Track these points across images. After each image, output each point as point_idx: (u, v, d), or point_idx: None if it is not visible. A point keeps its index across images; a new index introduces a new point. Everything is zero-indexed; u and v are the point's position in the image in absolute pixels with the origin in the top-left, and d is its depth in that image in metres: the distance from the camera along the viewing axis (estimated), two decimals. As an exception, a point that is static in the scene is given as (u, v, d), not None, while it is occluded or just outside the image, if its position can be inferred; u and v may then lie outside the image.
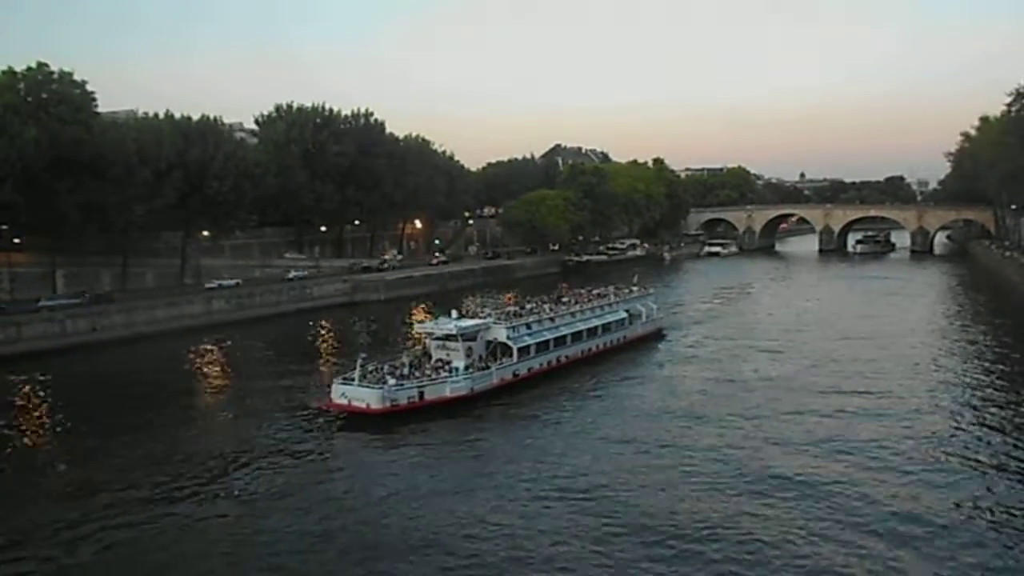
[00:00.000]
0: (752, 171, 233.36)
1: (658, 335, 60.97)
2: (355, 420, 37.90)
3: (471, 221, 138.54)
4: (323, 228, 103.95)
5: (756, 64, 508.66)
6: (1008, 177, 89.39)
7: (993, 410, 38.74)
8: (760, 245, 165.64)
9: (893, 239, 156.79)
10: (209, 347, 59.93)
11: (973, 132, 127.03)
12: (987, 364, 49.78)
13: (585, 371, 48.87)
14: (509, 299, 55.33)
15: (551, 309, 51.63)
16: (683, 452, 33.01)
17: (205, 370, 53.56)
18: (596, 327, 53.47)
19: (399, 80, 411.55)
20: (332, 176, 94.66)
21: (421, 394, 39.70)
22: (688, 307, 77.74)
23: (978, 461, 31.23)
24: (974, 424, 36.32)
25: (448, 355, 43.40)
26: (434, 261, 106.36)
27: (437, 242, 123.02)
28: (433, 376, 41.22)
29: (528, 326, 47.68)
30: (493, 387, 42.90)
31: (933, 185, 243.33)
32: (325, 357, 56.66)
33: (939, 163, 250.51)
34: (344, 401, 38.76)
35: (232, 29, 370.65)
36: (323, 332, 67.62)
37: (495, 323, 46.22)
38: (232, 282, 78.50)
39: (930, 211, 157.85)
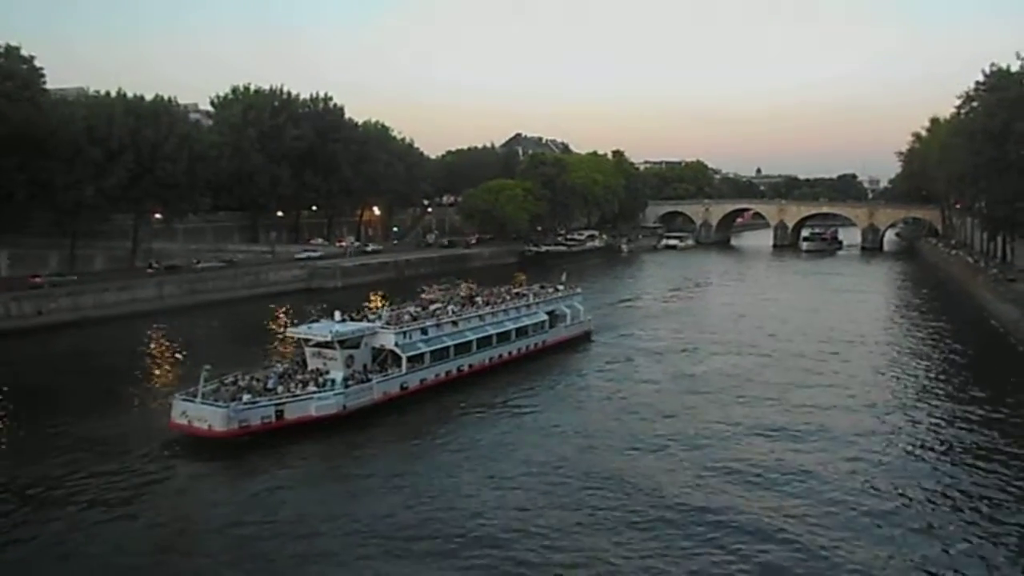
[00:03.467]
0: (710, 165, 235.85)
1: (585, 338, 56.04)
2: (198, 444, 32.23)
3: (430, 209, 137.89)
4: (279, 213, 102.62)
5: (716, 62, 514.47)
6: (955, 177, 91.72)
7: (935, 401, 40.00)
8: (716, 239, 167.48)
9: (840, 236, 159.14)
10: (148, 335, 57.61)
11: (923, 133, 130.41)
12: (932, 357, 51.38)
13: (492, 382, 43.23)
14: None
15: (455, 311, 45.65)
16: (588, 487, 28.28)
17: (120, 363, 48.50)
18: (509, 331, 47.70)
19: (359, 64, 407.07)
20: (289, 160, 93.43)
21: (279, 413, 33.87)
22: (638, 302, 77.93)
23: (926, 450, 32.34)
24: (920, 417, 37.36)
25: (325, 365, 37.62)
26: (473, 241, 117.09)
27: (395, 229, 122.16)
28: (297, 391, 35.28)
29: (424, 331, 41.71)
30: (374, 403, 37.05)
31: (884, 184, 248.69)
32: (258, 348, 51.58)
33: (890, 162, 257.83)
34: (184, 421, 32.91)
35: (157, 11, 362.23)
36: (270, 319, 65.75)
37: (382, 328, 40.26)
38: (318, 253, 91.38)
39: (881, 209, 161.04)
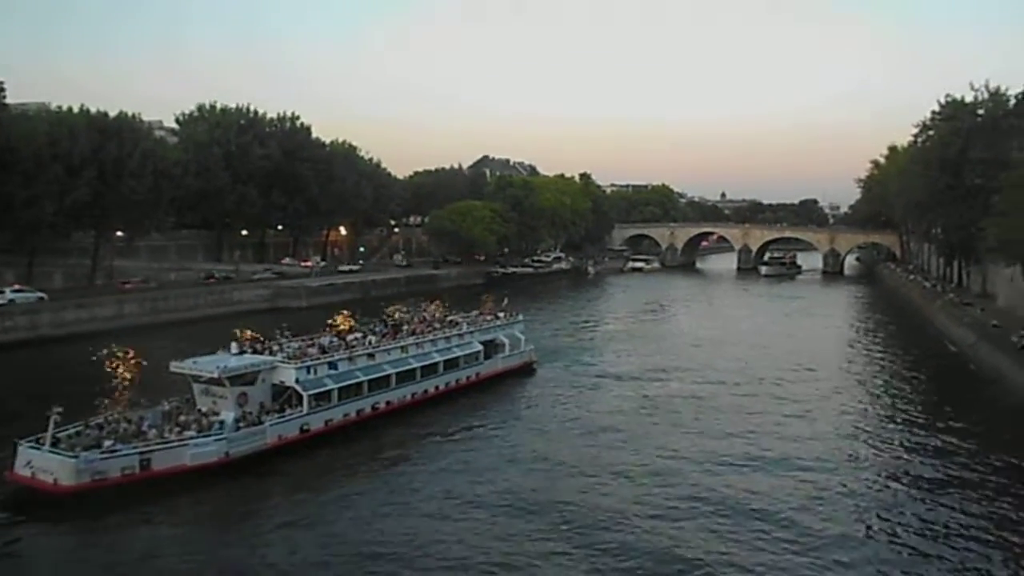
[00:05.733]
0: (676, 189, 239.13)
1: (526, 370, 51.80)
2: (44, 501, 27.18)
3: (396, 229, 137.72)
4: (244, 232, 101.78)
5: (683, 87, 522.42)
6: (912, 204, 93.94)
7: (894, 424, 40.49)
8: (682, 262, 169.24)
9: (799, 261, 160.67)
10: (92, 355, 52.99)
11: (882, 161, 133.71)
12: (891, 381, 52.10)
13: (411, 421, 39.02)
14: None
15: (373, 342, 41.41)
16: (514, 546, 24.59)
17: (51, 385, 42.88)
18: (436, 363, 43.63)
19: (324, 84, 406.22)
20: (255, 179, 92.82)
21: (145, 463, 28.87)
22: (599, 326, 77.55)
23: (884, 476, 32.72)
24: (878, 440, 37.83)
25: (215, 404, 33.27)
26: (482, 258, 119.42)
27: (362, 249, 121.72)
28: (171, 436, 30.49)
29: (332, 365, 37.31)
30: (266, 449, 32.49)
31: (844, 209, 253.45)
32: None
33: (850, 188, 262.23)
34: (27, 473, 27.94)
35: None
36: (228, 340, 63.80)
37: (283, 362, 35.87)
38: (356, 267, 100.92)
39: (841, 234, 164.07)
